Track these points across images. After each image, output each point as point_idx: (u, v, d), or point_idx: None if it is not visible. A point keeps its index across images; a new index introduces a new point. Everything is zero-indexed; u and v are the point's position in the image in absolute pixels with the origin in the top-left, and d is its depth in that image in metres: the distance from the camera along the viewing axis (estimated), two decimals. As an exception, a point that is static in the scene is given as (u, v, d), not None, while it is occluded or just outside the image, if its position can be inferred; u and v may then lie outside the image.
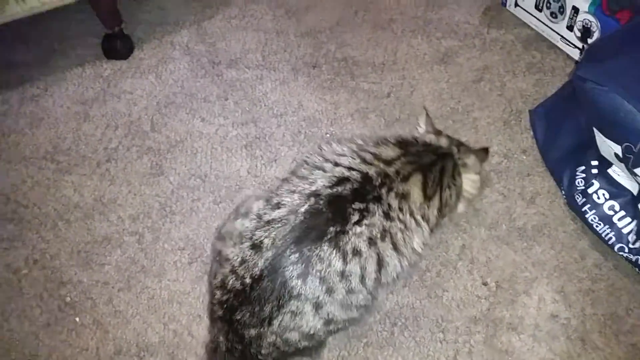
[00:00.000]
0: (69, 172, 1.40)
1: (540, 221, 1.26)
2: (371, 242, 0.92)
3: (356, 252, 0.91)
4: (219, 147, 1.44)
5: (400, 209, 0.97)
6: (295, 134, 1.46)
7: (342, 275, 0.90)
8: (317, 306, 0.90)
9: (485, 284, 1.18)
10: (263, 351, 0.94)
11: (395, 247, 0.95)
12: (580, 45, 1.52)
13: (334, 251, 0.89)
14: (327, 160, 1.00)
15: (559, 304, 1.15)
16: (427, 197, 1.01)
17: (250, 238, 0.93)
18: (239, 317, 0.92)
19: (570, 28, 1.53)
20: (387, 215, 0.94)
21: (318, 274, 0.89)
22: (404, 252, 0.97)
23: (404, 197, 0.98)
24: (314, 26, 1.73)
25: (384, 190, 0.96)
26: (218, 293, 0.94)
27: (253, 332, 0.92)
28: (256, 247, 0.91)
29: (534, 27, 1.67)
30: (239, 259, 0.92)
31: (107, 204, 1.34)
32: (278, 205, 0.94)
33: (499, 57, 1.62)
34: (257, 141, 1.45)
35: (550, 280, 1.18)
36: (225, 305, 0.93)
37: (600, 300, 1.15)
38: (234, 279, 0.92)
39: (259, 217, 0.95)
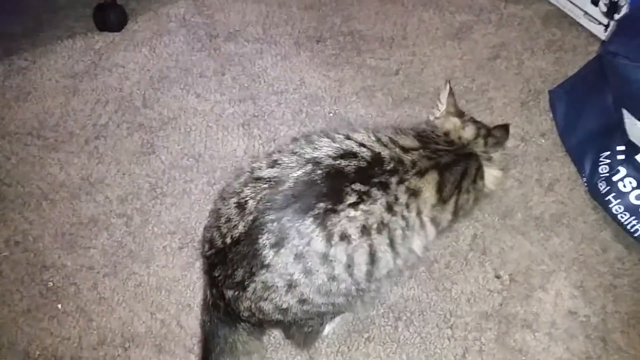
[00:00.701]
0: (55, 149, 1.32)
1: (559, 210, 1.17)
2: (364, 231, 0.83)
3: (344, 237, 0.82)
4: (215, 126, 1.35)
5: (407, 205, 0.87)
6: (296, 113, 1.37)
7: (324, 258, 0.82)
8: (290, 284, 0.83)
9: (498, 277, 1.09)
10: (242, 313, 0.88)
11: (391, 244, 0.86)
12: (605, 21, 1.41)
13: (318, 229, 0.81)
14: (339, 132, 0.92)
15: (578, 300, 1.06)
16: (442, 200, 0.91)
17: (238, 194, 0.86)
18: (216, 275, 0.88)
19: (595, 3, 1.42)
20: (389, 208, 0.85)
21: (294, 249, 0.81)
22: (400, 251, 0.87)
23: (414, 193, 0.88)
24: (318, -2, 1.62)
25: (394, 179, 0.86)
26: (207, 246, 0.90)
27: (230, 292, 0.87)
28: (241, 206, 0.85)
29: (554, 2, 1.55)
30: (225, 216, 0.86)
31: (94, 184, 1.26)
32: (274, 164, 0.87)
33: (516, 34, 1.51)
34: (255, 120, 1.36)
35: (569, 274, 1.09)
36: (208, 261, 0.89)
37: (622, 296, 1.06)
38: (218, 235, 0.87)
39: (252, 170, 0.89)
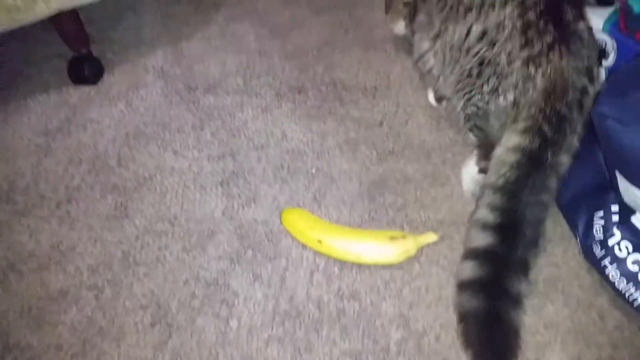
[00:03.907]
0: (25, 214, 1.26)
1: (553, 273, 1.11)
2: None
3: None
4: (192, 185, 1.29)
5: None
6: (277, 169, 1.32)
7: None
8: None
9: (490, 350, 1.03)
10: None
11: None
12: (593, 67, 1.37)
13: None
14: None
15: (576, 375, 0.99)
16: None
17: None
18: None
19: (582, 48, 1.38)
20: None
21: None
22: None
23: None
24: (300, 46, 1.59)
25: None
26: None
27: None
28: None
29: (541, 45, 1.51)
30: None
31: (65, 252, 1.19)
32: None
33: (503, 80, 1.47)
34: (234, 177, 1.30)
35: (565, 346, 1.02)
36: None
37: (623, 370, 1.00)
38: None
39: None
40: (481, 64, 1.09)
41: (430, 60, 1.22)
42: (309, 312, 1.07)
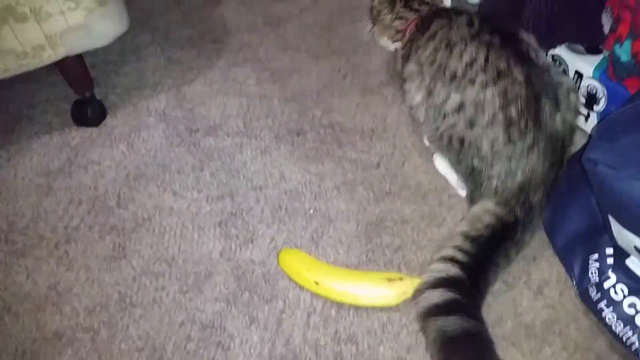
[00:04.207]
0: (23, 254, 1.26)
1: (550, 316, 1.10)
2: None
3: None
4: (190, 226, 1.30)
5: None
6: (275, 210, 1.33)
7: None
8: None
9: (489, 395, 1.01)
10: None
11: None
12: (585, 112, 1.40)
13: None
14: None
15: (577, 421, 0.98)
16: None
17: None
18: None
19: (573, 93, 1.42)
20: None
21: None
22: None
23: None
24: (299, 90, 1.63)
25: None
26: None
27: None
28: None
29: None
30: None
31: (62, 293, 1.19)
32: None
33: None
34: (232, 218, 1.32)
35: (565, 390, 1.01)
36: None
37: (624, 416, 0.98)
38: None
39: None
40: (462, 141, 1.15)
41: (421, 112, 1.26)
42: (305, 355, 1.06)
